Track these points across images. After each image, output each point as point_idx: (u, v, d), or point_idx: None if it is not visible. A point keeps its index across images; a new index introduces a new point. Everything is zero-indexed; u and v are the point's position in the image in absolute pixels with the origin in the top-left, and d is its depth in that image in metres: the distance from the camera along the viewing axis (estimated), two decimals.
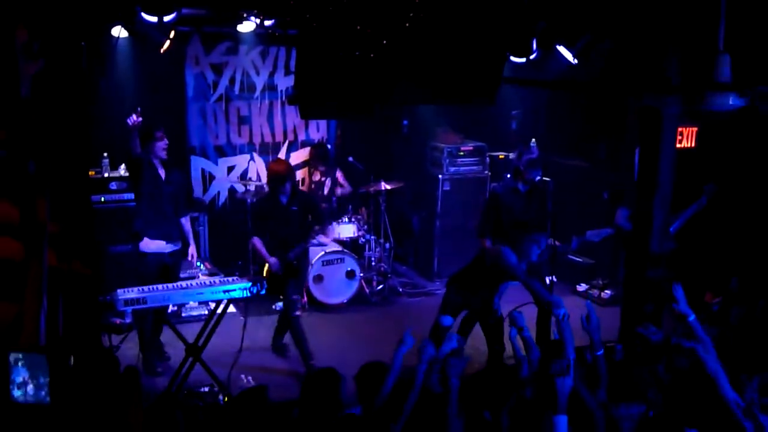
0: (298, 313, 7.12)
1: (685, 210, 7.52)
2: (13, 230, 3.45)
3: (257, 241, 7.19)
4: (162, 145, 6.75)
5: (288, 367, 7.02)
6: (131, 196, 8.02)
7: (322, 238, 8.38)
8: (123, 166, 8.16)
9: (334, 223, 8.94)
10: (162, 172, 6.78)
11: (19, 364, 3.71)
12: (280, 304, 8.31)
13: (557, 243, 7.13)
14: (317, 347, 7.24)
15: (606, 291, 8.96)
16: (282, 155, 9.69)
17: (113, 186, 8.03)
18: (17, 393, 3.75)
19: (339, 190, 9.36)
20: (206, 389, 6.28)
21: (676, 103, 6.04)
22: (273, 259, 7.10)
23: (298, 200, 7.26)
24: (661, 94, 5.75)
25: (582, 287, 9.20)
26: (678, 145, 6.94)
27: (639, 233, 6.70)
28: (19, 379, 3.71)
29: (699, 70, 5.26)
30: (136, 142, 6.50)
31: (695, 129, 7.85)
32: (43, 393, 3.69)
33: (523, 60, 7.39)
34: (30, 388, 3.68)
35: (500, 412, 4.39)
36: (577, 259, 9.47)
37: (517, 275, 6.24)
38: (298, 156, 9.82)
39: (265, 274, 7.30)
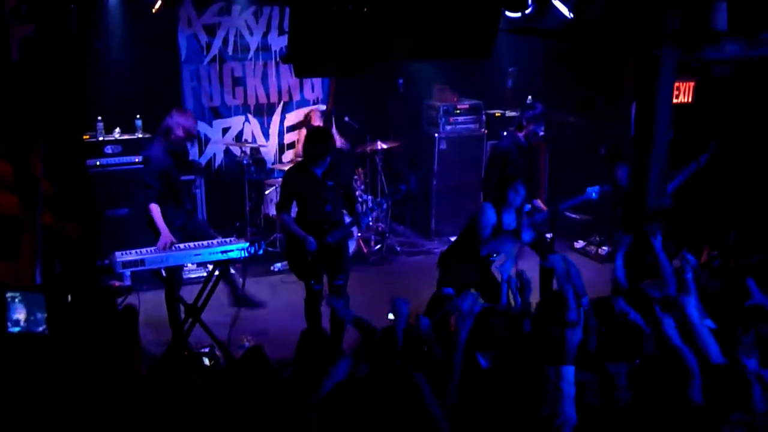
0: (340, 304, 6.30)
1: (684, 168, 7.49)
2: (7, 187, 3.46)
3: (287, 218, 6.37)
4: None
5: (287, 325, 7.04)
6: (127, 159, 8.03)
7: None
8: (118, 129, 8.14)
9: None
10: None
11: (16, 300, 3.75)
12: (279, 264, 8.35)
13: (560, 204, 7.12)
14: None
15: (603, 247, 8.99)
16: (277, 116, 9.64)
17: (108, 150, 8.00)
18: (14, 330, 3.80)
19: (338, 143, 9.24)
20: (206, 349, 6.34)
21: (673, 52, 5.99)
22: (311, 238, 6.17)
23: (335, 174, 6.35)
24: (657, 42, 5.68)
25: (579, 244, 9.24)
26: (675, 100, 6.92)
27: (635, 189, 6.68)
28: (15, 317, 3.75)
29: (697, 19, 5.20)
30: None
31: (692, 84, 7.80)
32: (40, 328, 3.73)
33: (518, 14, 7.31)
34: (27, 323, 3.72)
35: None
36: (575, 215, 9.48)
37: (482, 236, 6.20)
38: (293, 117, 9.75)
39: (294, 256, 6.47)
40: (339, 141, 9.14)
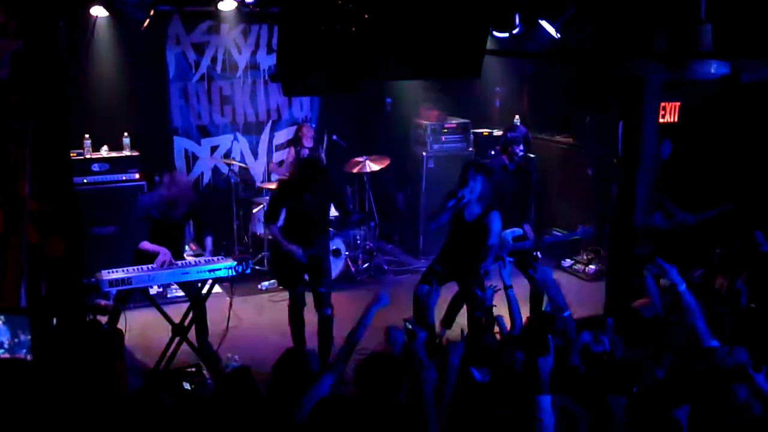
0: (329, 311, 6.57)
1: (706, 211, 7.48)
2: None
3: (274, 230, 6.51)
4: None
5: (275, 344, 6.99)
6: (114, 177, 7.98)
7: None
8: (105, 147, 8.09)
9: None
10: None
11: (0, 323, 3.69)
12: (266, 283, 8.31)
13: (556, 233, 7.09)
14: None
15: (591, 266, 9.00)
16: (266, 135, 9.63)
17: (95, 167, 7.94)
18: None
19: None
20: (193, 369, 6.26)
21: (659, 73, 6.04)
22: (296, 247, 6.37)
23: (322, 191, 6.50)
24: (644, 64, 5.73)
25: (567, 262, 9.24)
26: (661, 120, 6.95)
27: (623, 208, 6.71)
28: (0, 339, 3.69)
29: (682, 40, 5.25)
30: None
31: (678, 104, 7.84)
32: (24, 351, 3.67)
33: (506, 35, 7.35)
34: (10, 346, 3.66)
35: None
36: (561, 234, 9.48)
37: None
38: (282, 135, 9.75)
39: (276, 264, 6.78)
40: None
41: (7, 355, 3.76)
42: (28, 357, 3.70)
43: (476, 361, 4.43)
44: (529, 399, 3.76)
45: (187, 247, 7.24)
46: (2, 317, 3.68)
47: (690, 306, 4.65)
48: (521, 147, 6.99)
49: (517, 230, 6.95)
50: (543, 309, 5.78)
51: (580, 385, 4.28)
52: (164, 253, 6.20)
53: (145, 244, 6.30)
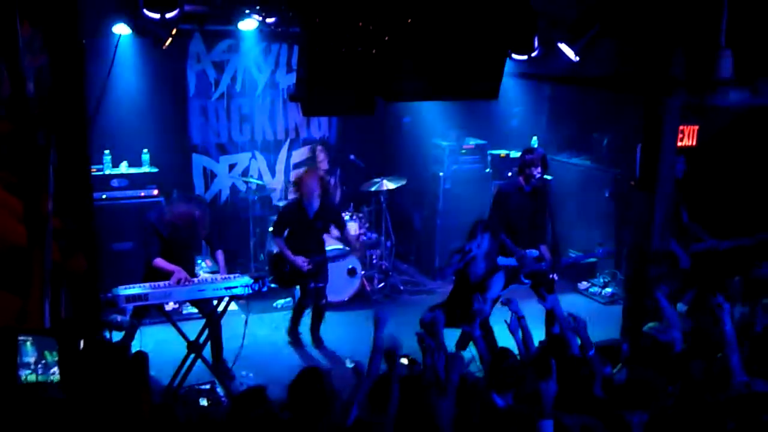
0: (324, 301, 7.50)
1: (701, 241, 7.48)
2: (18, 218, 3.44)
3: (280, 242, 7.34)
4: None
5: (291, 363, 7.02)
6: (133, 193, 8.05)
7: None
8: (125, 163, 8.17)
9: None
10: None
11: (28, 344, 3.70)
12: (282, 301, 8.34)
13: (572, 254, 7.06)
14: (319, 346, 7.45)
15: (608, 289, 8.95)
16: (284, 153, 9.69)
17: (114, 183, 8.02)
18: (25, 373, 3.75)
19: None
20: (207, 386, 6.29)
21: (678, 98, 6.04)
22: (300, 259, 7.26)
23: (323, 215, 7.42)
24: (664, 88, 5.74)
25: (583, 285, 9.19)
26: (679, 143, 6.94)
27: (640, 230, 6.69)
28: (26, 360, 3.69)
29: (702, 66, 5.26)
30: None
31: (696, 127, 7.85)
32: (52, 373, 3.67)
33: (525, 57, 7.36)
34: (37, 366, 3.66)
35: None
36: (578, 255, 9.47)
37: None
38: (300, 154, 9.81)
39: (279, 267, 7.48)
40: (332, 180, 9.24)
41: (33, 377, 3.77)
42: (56, 379, 3.69)
43: (498, 386, 4.43)
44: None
45: (203, 264, 7.28)
46: (30, 339, 3.67)
47: (731, 342, 4.69)
48: (539, 169, 6.99)
49: (534, 252, 6.93)
50: (553, 331, 5.75)
51: (599, 407, 4.30)
52: (179, 272, 6.23)
53: (160, 262, 6.35)
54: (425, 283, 9.44)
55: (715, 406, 4.21)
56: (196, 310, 7.69)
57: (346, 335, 7.74)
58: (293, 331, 7.64)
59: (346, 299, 8.59)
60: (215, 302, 6.39)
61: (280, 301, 8.39)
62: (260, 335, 7.60)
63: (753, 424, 3.91)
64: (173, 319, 6.47)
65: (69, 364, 3.63)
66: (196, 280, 6.38)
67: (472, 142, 9.57)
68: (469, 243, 6.28)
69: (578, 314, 5.11)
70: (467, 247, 6.27)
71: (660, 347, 5.13)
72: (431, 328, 5.33)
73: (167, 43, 7.48)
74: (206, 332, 6.38)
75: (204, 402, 6.07)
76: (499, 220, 6.95)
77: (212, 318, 6.41)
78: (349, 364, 5.15)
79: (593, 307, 8.65)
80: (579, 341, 4.94)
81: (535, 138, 9.74)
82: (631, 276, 6.98)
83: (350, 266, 8.55)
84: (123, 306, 5.95)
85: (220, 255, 6.79)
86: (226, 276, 6.46)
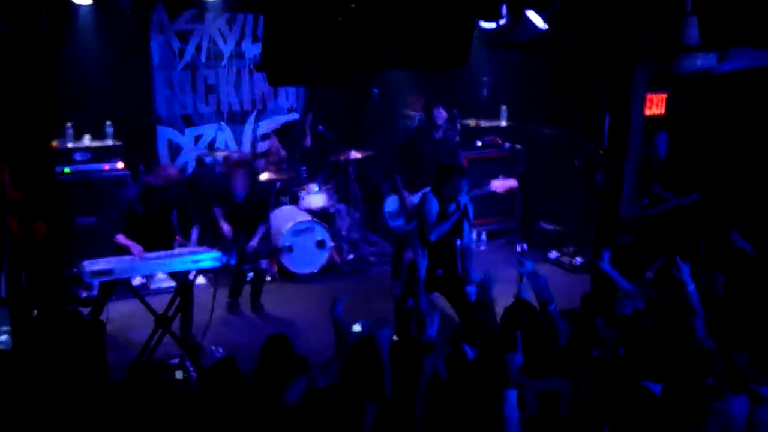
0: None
1: (666, 202, 7.54)
2: None
3: (218, 211, 7.41)
4: None
5: (259, 335, 6.97)
6: (96, 167, 7.94)
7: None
8: (88, 136, 8.06)
9: (303, 193, 8.91)
10: None
11: None
12: (250, 273, 8.30)
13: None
14: (287, 318, 7.39)
15: (577, 258, 9.02)
16: (250, 125, 9.64)
17: (77, 157, 7.90)
18: None
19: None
20: (176, 361, 6.28)
21: (646, 66, 6.09)
22: (226, 227, 7.30)
23: (252, 201, 7.47)
24: (631, 56, 5.78)
25: (553, 254, 9.24)
26: (647, 111, 7.00)
27: (609, 199, 6.77)
28: None
29: (669, 33, 5.30)
30: None
31: (664, 96, 7.90)
32: (3, 342, 3.66)
33: (493, 25, 7.36)
34: None
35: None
36: (548, 226, 9.54)
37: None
38: (267, 125, 9.76)
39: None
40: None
41: None
42: (8, 346, 3.69)
43: (470, 338, 4.50)
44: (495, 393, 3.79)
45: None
46: None
47: (696, 305, 4.83)
48: (443, 113, 7.87)
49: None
50: (520, 296, 5.81)
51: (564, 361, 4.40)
52: (134, 247, 6.20)
53: (121, 238, 6.33)
54: None
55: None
56: (164, 285, 7.70)
57: (314, 307, 7.73)
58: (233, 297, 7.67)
59: (315, 271, 8.57)
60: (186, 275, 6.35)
61: (250, 273, 8.34)
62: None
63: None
64: (141, 294, 6.44)
65: (21, 333, 3.61)
66: (164, 253, 6.33)
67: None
68: (460, 195, 6.31)
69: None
70: (462, 198, 6.33)
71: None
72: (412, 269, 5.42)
73: (129, 13, 7.39)
74: (174, 306, 6.34)
75: (179, 375, 6.05)
76: (406, 167, 7.74)
77: (184, 290, 6.38)
78: (357, 328, 5.31)
79: (563, 277, 8.68)
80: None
81: (504, 107, 9.75)
82: (598, 244, 7.03)
83: (319, 238, 8.54)
84: (88, 281, 5.90)
85: (194, 232, 6.78)
86: (194, 249, 6.43)
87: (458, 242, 6.36)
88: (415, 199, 7.52)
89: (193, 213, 6.93)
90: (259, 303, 7.69)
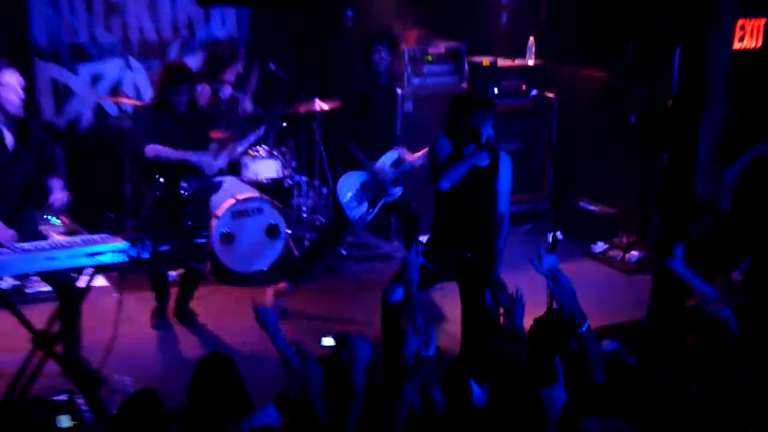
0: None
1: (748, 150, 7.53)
2: None
3: (156, 149, 7.17)
4: None
5: (188, 356, 6.98)
6: None
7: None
8: None
9: (247, 159, 8.90)
10: None
11: None
12: (174, 273, 8.23)
13: None
14: (224, 335, 7.43)
15: (632, 252, 9.05)
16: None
17: None
18: None
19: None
20: (64, 397, 6.18)
21: None
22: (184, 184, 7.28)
23: (196, 116, 7.39)
24: None
25: (599, 247, 9.28)
26: (738, 44, 6.97)
27: (677, 172, 6.74)
28: None
29: None
30: None
31: (763, 21, 7.85)
32: None
33: None
34: None
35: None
36: (591, 207, 9.52)
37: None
38: (196, 61, 9.68)
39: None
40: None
41: None
42: None
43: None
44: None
45: (54, 221, 7.11)
46: None
47: None
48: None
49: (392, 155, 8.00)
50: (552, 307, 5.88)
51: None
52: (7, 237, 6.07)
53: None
54: (378, 246, 9.48)
55: None
56: (47, 289, 7.53)
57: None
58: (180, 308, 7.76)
59: (265, 269, 8.58)
60: (74, 275, 6.20)
61: (173, 273, 8.24)
62: (141, 321, 7.58)
63: None
64: (12, 301, 6.29)
65: None
66: (45, 243, 6.16)
67: (443, 44, 9.54)
68: (482, 128, 6.34)
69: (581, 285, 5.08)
70: (484, 133, 6.33)
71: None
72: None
73: None
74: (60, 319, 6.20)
75: (61, 421, 5.96)
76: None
77: (69, 298, 6.24)
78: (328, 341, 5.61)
79: (614, 278, 8.83)
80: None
81: (531, 39, 9.73)
82: (663, 233, 6.99)
83: (270, 222, 8.49)
84: None
85: (56, 185, 6.58)
86: (89, 237, 6.26)
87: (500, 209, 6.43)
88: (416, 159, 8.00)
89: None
90: (187, 310, 7.65)
